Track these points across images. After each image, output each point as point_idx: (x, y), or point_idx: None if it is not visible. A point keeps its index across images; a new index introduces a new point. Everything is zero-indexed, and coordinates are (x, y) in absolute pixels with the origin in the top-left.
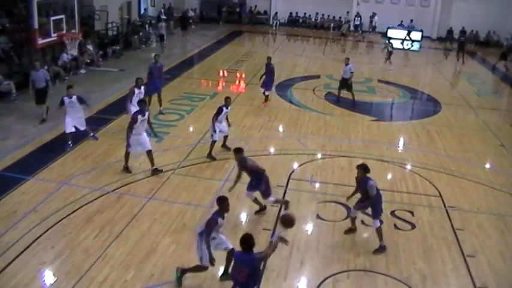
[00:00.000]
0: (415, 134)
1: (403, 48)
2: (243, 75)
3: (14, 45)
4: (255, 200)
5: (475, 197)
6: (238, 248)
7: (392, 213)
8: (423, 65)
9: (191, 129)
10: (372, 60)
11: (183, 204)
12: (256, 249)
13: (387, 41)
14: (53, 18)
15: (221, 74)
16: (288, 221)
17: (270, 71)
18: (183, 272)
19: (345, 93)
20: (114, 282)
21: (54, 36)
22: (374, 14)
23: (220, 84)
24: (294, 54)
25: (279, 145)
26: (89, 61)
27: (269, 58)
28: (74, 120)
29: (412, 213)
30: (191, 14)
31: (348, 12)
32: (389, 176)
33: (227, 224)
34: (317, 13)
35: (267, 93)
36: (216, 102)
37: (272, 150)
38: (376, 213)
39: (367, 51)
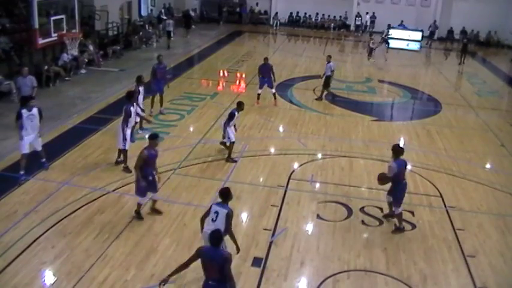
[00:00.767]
0: (415, 134)
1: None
2: (243, 75)
3: (14, 45)
4: None
5: (475, 197)
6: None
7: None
8: (423, 65)
9: (191, 129)
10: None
11: (184, 204)
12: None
13: (385, 34)
14: (53, 18)
15: (221, 74)
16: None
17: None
18: None
19: (344, 93)
20: (114, 282)
21: (54, 36)
22: (367, 14)
23: (221, 84)
24: (294, 54)
25: (279, 145)
26: (87, 60)
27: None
28: (30, 139)
29: (412, 213)
30: (192, 14)
31: (346, 12)
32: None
33: None
34: (317, 13)
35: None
36: (217, 103)
37: (272, 150)
38: (394, 200)
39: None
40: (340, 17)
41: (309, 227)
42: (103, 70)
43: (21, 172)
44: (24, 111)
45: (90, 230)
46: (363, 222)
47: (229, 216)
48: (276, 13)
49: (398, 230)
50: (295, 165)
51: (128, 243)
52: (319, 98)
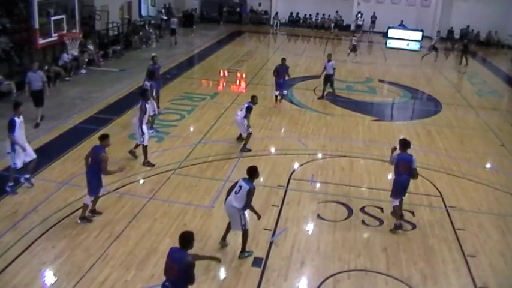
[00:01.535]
0: (415, 134)
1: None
2: (244, 75)
3: (14, 45)
4: None
5: (475, 197)
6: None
7: (392, 213)
8: (423, 64)
9: (191, 129)
10: (372, 60)
11: (184, 204)
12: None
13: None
14: (53, 18)
15: (222, 74)
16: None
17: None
18: (243, 250)
19: (345, 93)
20: (114, 282)
21: (54, 36)
22: (358, 13)
23: (221, 84)
24: (294, 54)
25: (279, 145)
26: (87, 60)
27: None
28: (25, 150)
29: (412, 213)
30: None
31: (337, 11)
32: (389, 176)
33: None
34: (317, 13)
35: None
36: (217, 103)
37: (273, 150)
38: (392, 192)
39: (367, 51)
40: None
41: (309, 227)
42: (103, 70)
43: (10, 184)
44: (16, 119)
45: (91, 230)
46: (363, 222)
47: (250, 192)
48: (276, 13)
49: (396, 227)
50: (296, 165)
51: (128, 243)
52: (322, 97)
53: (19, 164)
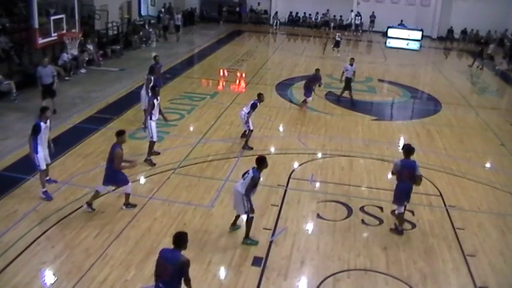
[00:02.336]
0: (415, 133)
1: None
2: (243, 75)
3: (14, 44)
4: None
5: (475, 196)
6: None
7: (393, 212)
8: (423, 64)
9: (191, 128)
10: (372, 60)
11: (184, 203)
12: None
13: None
14: (53, 17)
15: (221, 73)
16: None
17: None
18: (246, 236)
19: (345, 93)
20: (114, 281)
21: (54, 36)
22: (356, 12)
23: (221, 83)
24: (294, 54)
25: (279, 144)
26: (87, 59)
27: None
28: (46, 153)
29: (412, 212)
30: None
31: (328, 10)
32: (389, 176)
33: (227, 223)
34: (317, 12)
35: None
36: (217, 102)
37: (272, 149)
38: (394, 198)
39: (367, 51)
40: (341, 16)
41: (309, 227)
42: (103, 70)
43: (43, 189)
44: (42, 124)
45: (90, 230)
46: (363, 221)
47: (253, 180)
48: (276, 12)
49: (397, 231)
50: (295, 165)
51: (128, 243)
52: (352, 102)
53: (43, 166)
